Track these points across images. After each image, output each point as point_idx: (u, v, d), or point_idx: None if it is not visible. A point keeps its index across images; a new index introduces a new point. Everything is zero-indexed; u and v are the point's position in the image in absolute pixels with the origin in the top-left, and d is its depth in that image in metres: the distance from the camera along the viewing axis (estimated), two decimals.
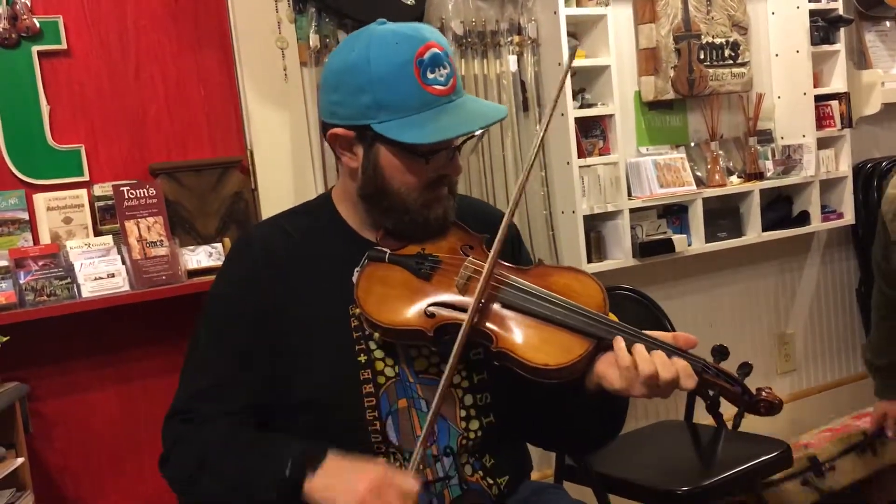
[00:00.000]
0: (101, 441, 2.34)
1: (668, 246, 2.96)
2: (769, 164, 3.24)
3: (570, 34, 2.78)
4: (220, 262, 2.24)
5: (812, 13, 3.25)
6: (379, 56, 1.29)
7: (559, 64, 2.76)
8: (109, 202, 2.28)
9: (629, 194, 2.95)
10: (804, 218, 3.33)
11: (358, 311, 1.34)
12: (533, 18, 2.80)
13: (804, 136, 3.28)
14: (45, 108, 2.25)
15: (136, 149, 2.36)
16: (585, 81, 2.91)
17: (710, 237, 3.09)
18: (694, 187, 3.03)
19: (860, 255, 3.62)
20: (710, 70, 3.07)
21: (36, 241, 2.22)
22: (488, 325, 1.30)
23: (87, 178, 2.30)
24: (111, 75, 2.33)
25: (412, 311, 1.31)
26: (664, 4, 2.97)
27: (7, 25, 2.18)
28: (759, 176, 3.21)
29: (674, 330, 2.70)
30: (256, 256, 1.41)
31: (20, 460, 2.01)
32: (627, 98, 3.04)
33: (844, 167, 3.40)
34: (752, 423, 2.50)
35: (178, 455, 1.37)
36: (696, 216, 3.05)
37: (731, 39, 3.13)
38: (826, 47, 3.31)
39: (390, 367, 1.37)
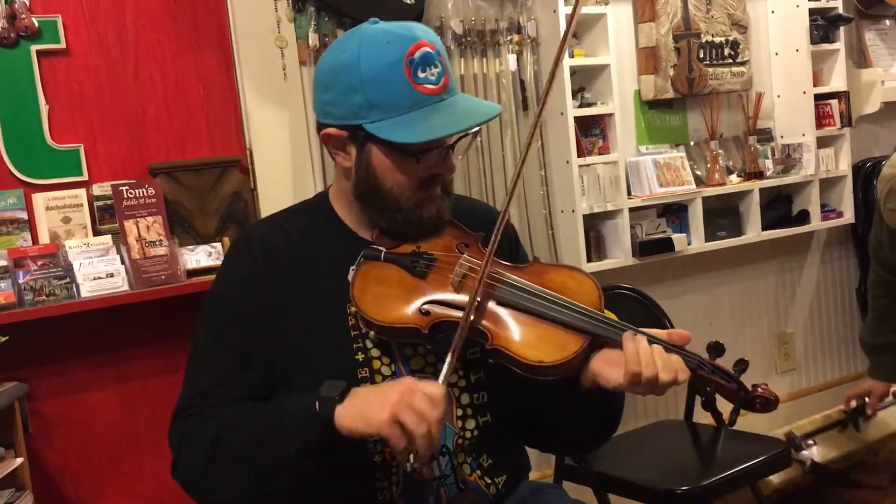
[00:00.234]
0: (100, 441, 2.34)
1: (667, 245, 2.96)
2: (769, 163, 3.24)
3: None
4: (219, 262, 2.24)
5: (812, 12, 3.25)
6: (369, 56, 1.29)
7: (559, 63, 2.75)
8: (108, 202, 2.27)
9: (629, 193, 2.95)
10: (804, 217, 3.33)
11: (354, 309, 1.34)
12: (532, 17, 2.80)
13: (804, 134, 3.28)
14: (43, 108, 2.25)
15: (136, 148, 2.36)
16: (585, 80, 2.91)
17: (709, 236, 3.09)
18: (693, 186, 3.03)
19: (860, 254, 3.62)
20: (710, 69, 3.07)
21: (35, 240, 2.22)
22: (483, 322, 1.30)
23: (86, 177, 2.30)
24: (110, 75, 2.33)
25: (407, 310, 1.31)
26: (664, 3, 2.97)
27: (6, 25, 2.18)
28: (759, 175, 3.21)
29: (673, 329, 2.71)
30: (255, 256, 1.41)
31: (19, 460, 2.01)
32: (627, 97, 3.04)
33: (844, 166, 3.40)
34: (753, 423, 2.53)
35: (188, 446, 1.33)
36: (696, 215, 3.05)
37: (730, 38, 3.13)
38: (826, 46, 3.31)
39: (387, 365, 1.37)
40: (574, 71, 2.84)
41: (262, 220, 1.59)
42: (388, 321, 1.31)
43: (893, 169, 2.47)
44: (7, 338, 2.02)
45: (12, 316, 2.06)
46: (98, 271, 2.18)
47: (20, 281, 2.11)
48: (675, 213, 3.09)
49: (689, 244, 3.04)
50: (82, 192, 2.27)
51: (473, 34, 2.71)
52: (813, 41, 3.25)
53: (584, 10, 2.82)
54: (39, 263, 2.14)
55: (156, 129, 2.39)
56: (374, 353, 1.37)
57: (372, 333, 1.35)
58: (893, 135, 3.73)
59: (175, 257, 2.26)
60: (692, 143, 3.18)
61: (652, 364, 1.24)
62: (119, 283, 2.19)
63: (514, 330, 1.30)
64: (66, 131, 2.29)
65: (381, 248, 1.38)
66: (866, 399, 2.86)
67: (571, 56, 2.81)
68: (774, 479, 2.90)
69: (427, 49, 1.30)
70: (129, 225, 2.25)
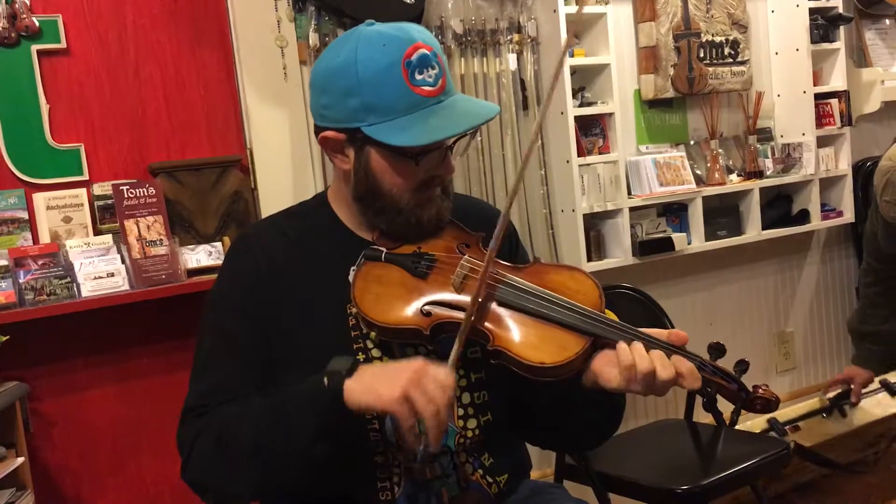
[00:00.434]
0: (101, 440, 2.34)
1: (667, 244, 2.96)
2: (769, 163, 3.24)
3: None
4: (219, 262, 2.25)
5: (812, 11, 3.25)
6: (366, 58, 1.29)
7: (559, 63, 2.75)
8: (109, 201, 2.28)
9: (629, 193, 2.95)
10: (804, 216, 3.33)
11: (355, 310, 1.34)
12: (532, 17, 2.80)
13: (804, 134, 3.28)
14: (44, 108, 2.25)
15: (136, 148, 2.36)
16: (585, 80, 2.91)
17: (709, 236, 3.09)
18: (694, 186, 3.03)
19: (860, 253, 3.61)
20: (710, 68, 3.07)
21: (35, 240, 2.22)
22: (484, 323, 1.30)
23: (86, 177, 2.30)
24: (110, 74, 2.33)
25: (408, 310, 1.31)
26: (664, 3, 2.97)
27: (6, 24, 2.18)
28: (759, 174, 3.21)
29: (673, 328, 2.71)
30: (255, 257, 1.41)
31: (20, 460, 2.01)
32: (627, 96, 3.04)
33: (844, 165, 3.40)
34: (754, 423, 2.54)
35: (200, 442, 1.31)
36: (696, 215, 3.05)
37: (730, 38, 3.13)
38: (826, 45, 3.31)
39: None
40: (574, 70, 2.84)
41: (261, 222, 1.59)
42: (389, 322, 1.30)
43: (890, 161, 2.49)
44: (8, 337, 2.02)
45: (13, 315, 2.06)
46: (98, 271, 2.18)
47: (21, 280, 2.11)
48: (675, 212, 3.09)
49: (689, 244, 3.04)
50: (83, 191, 2.28)
51: (474, 34, 2.71)
52: (813, 40, 3.25)
53: (585, 9, 2.83)
54: (40, 263, 2.14)
55: (156, 128, 2.39)
56: (375, 353, 1.37)
57: (373, 334, 1.35)
58: (893, 134, 3.73)
59: (175, 257, 2.26)
60: (692, 143, 3.18)
61: (646, 357, 1.24)
62: (119, 283, 2.19)
63: (515, 331, 1.29)
64: (67, 131, 2.29)
65: (381, 248, 1.38)
66: (851, 386, 2.91)
67: (572, 56, 2.81)
68: None
69: (424, 51, 1.30)
70: (129, 224, 2.25)
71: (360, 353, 1.36)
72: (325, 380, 1.23)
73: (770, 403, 1.30)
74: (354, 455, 1.35)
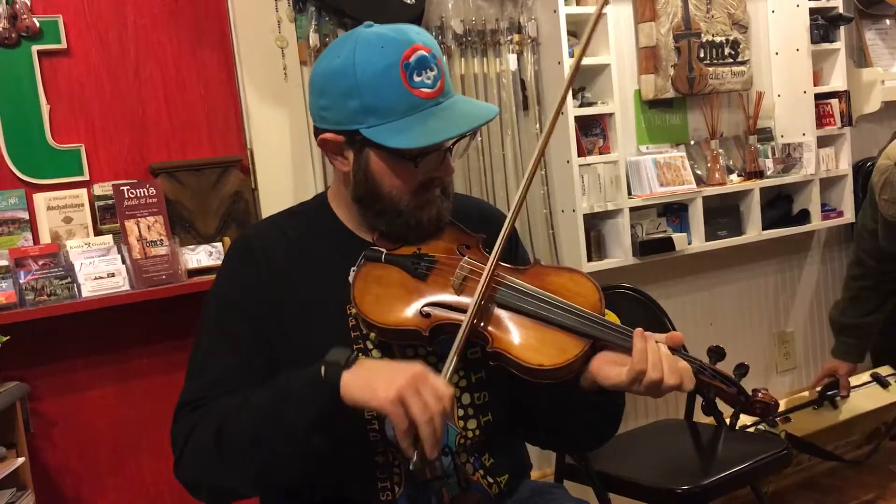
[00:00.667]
0: (101, 440, 2.35)
1: (668, 245, 2.96)
2: (769, 163, 3.24)
3: (570, 33, 2.78)
4: (220, 262, 2.24)
5: (812, 11, 3.24)
6: (364, 60, 1.29)
7: (559, 63, 2.76)
8: (109, 202, 2.28)
9: (629, 193, 2.95)
10: (804, 216, 3.33)
11: (354, 310, 1.34)
12: (533, 17, 2.80)
13: (804, 134, 3.28)
14: (44, 108, 2.25)
15: (136, 148, 2.37)
16: (585, 80, 2.91)
17: (710, 236, 3.09)
18: (694, 186, 3.03)
19: None
20: (710, 68, 3.07)
21: (36, 240, 2.22)
22: (484, 325, 1.30)
23: (87, 177, 2.30)
24: (111, 75, 2.33)
25: (408, 312, 1.31)
26: (664, 3, 2.97)
27: (7, 25, 2.19)
28: (759, 174, 3.21)
29: (673, 328, 2.71)
30: (255, 256, 1.41)
31: (21, 460, 2.01)
32: (627, 97, 3.04)
33: (844, 165, 3.40)
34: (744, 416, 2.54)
35: (195, 436, 1.30)
36: (696, 215, 3.05)
37: (730, 38, 3.13)
38: (826, 45, 3.30)
39: None
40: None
41: (261, 222, 1.59)
42: (388, 323, 1.30)
43: (888, 160, 2.49)
44: (8, 338, 2.02)
45: (13, 316, 2.06)
46: (99, 271, 2.18)
47: (21, 281, 2.11)
48: (675, 212, 3.09)
49: (689, 244, 3.04)
50: (83, 191, 2.28)
51: (474, 34, 2.71)
52: (813, 41, 3.25)
53: (585, 9, 2.83)
54: (40, 263, 2.14)
55: (156, 128, 2.39)
56: (375, 354, 1.37)
57: (372, 335, 1.35)
58: None
59: (176, 257, 2.26)
60: (692, 143, 3.18)
61: (659, 365, 1.24)
62: (120, 283, 2.20)
63: (514, 333, 1.29)
64: (67, 131, 2.29)
65: (381, 249, 1.38)
66: (838, 378, 2.93)
67: (571, 56, 2.81)
68: None
69: (422, 52, 1.30)
70: (129, 225, 2.25)
71: (359, 354, 1.36)
72: (323, 370, 1.22)
73: (769, 407, 1.30)
74: (354, 455, 1.36)
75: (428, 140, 1.29)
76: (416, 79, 1.29)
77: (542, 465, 2.78)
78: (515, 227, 1.62)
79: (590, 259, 2.85)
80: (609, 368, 1.28)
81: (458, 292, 1.33)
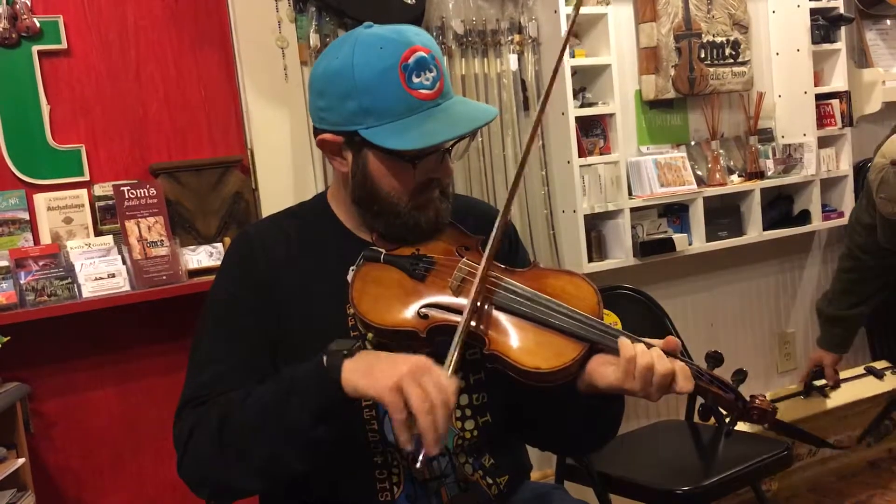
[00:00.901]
0: (101, 441, 2.35)
1: (668, 245, 2.96)
2: (770, 163, 3.24)
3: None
4: (220, 262, 2.24)
5: (813, 12, 3.24)
6: (363, 62, 1.28)
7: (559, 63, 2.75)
8: (110, 202, 2.28)
9: (630, 193, 2.94)
10: (805, 217, 3.33)
11: (353, 310, 1.34)
12: (533, 17, 2.80)
13: (805, 134, 3.28)
14: (45, 108, 2.25)
15: (137, 148, 2.37)
16: (586, 80, 2.91)
17: (710, 236, 3.09)
18: (694, 186, 3.03)
19: None
20: (711, 69, 3.07)
21: (36, 241, 2.22)
22: (481, 327, 1.29)
23: (87, 177, 2.30)
24: (111, 75, 2.34)
25: (406, 312, 1.31)
26: (665, 3, 2.97)
27: (7, 25, 2.19)
28: (760, 175, 3.21)
29: (674, 328, 2.71)
30: (255, 256, 1.41)
31: (21, 461, 2.01)
32: (628, 97, 3.04)
33: (845, 166, 3.40)
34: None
35: (198, 432, 1.29)
36: (697, 215, 3.05)
37: (731, 38, 3.12)
38: (827, 46, 3.30)
39: None
40: (575, 71, 2.84)
41: (261, 221, 1.59)
42: (385, 324, 1.30)
43: (884, 158, 2.50)
44: (8, 338, 2.02)
45: (14, 316, 2.06)
46: (99, 271, 2.18)
47: (22, 281, 2.11)
48: (675, 213, 3.09)
49: (689, 244, 3.04)
50: (83, 192, 2.28)
51: (474, 34, 2.71)
52: (814, 41, 3.25)
53: (585, 10, 2.83)
54: (41, 264, 2.14)
55: (157, 129, 2.39)
56: None
57: (370, 335, 1.35)
58: None
59: (176, 257, 2.26)
60: (693, 143, 3.18)
61: (647, 353, 1.24)
62: (120, 284, 2.20)
63: (511, 335, 1.29)
64: (68, 132, 2.29)
65: (380, 249, 1.38)
66: (824, 368, 2.96)
67: (572, 56, 2.81)
68: None
69: (422, 54, 1.29)
70: (130, 225, 2.25)
71: (362, 343, 1.36)
72: (325, 359, 1.22)
73: (767, 414, 1.30)
74: (354, 455, 1.35)
75: (426, 142, 1.28)
76: (415, 80, 1.29)
77: (542, 465, 2.78)
78: (515, 228, 1.62)
79: (590, 259, 2.85)
80: (604, 368, 1.28)
81: (457, 294, 1.32)
